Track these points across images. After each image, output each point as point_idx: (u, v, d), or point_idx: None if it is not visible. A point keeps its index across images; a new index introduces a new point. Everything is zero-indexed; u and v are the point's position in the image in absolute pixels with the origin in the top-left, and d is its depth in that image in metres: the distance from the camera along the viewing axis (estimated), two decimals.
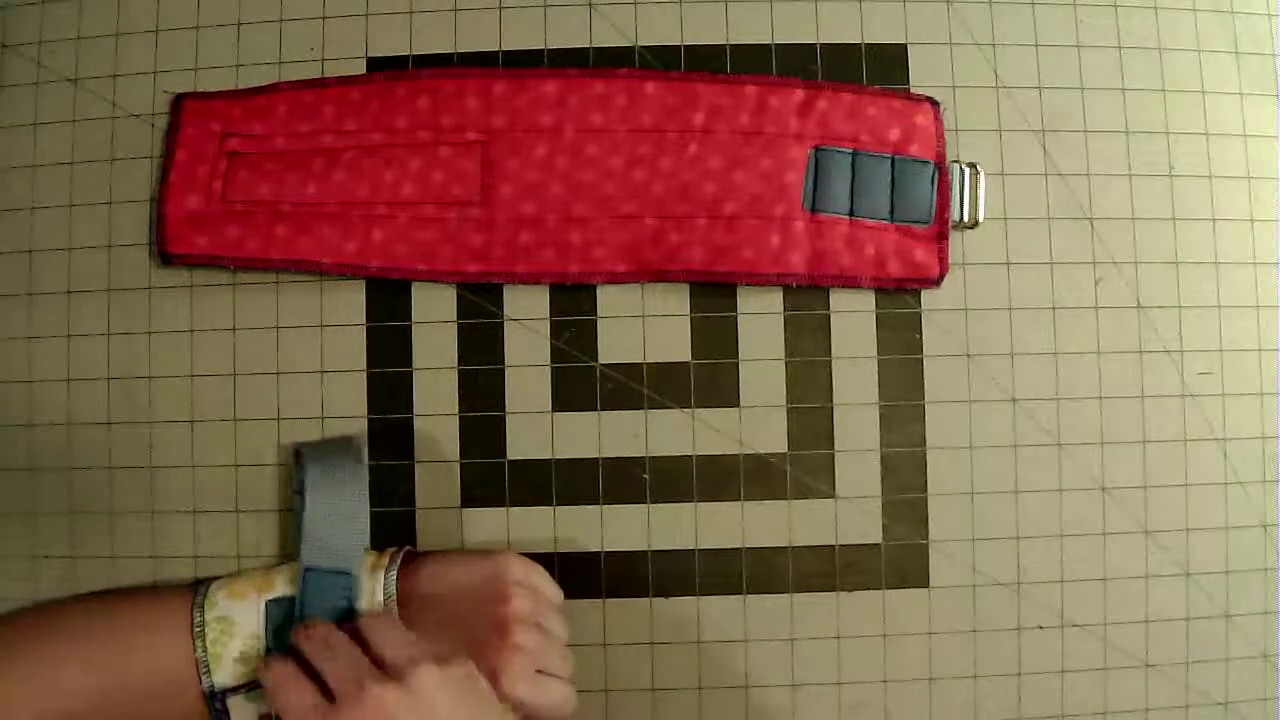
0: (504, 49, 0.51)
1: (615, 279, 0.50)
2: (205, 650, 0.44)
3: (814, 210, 0.49)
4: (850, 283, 0.49)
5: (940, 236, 0.49)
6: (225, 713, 0.44)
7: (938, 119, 0.50)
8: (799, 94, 0.50)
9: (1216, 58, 0.52)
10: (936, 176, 0.49)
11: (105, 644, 0.44)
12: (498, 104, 0.50)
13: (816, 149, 0.49)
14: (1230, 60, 0.52)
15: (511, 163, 0.49)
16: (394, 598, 0.44)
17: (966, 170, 0.50)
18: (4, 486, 0.50)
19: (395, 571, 0.45)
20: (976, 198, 0.50)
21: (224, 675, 0.44)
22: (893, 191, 0.49)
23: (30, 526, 0.50)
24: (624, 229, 0.49)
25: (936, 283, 0.49)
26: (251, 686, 0.44)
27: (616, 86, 0.50)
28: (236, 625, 0.44)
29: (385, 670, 0.40)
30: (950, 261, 0.50)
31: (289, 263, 0.49)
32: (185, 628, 0.44)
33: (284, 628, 0.44)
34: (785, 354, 0.50)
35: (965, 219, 0.50)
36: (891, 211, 0.49)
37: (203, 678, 0.43)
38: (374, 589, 0.45)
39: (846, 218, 0.49)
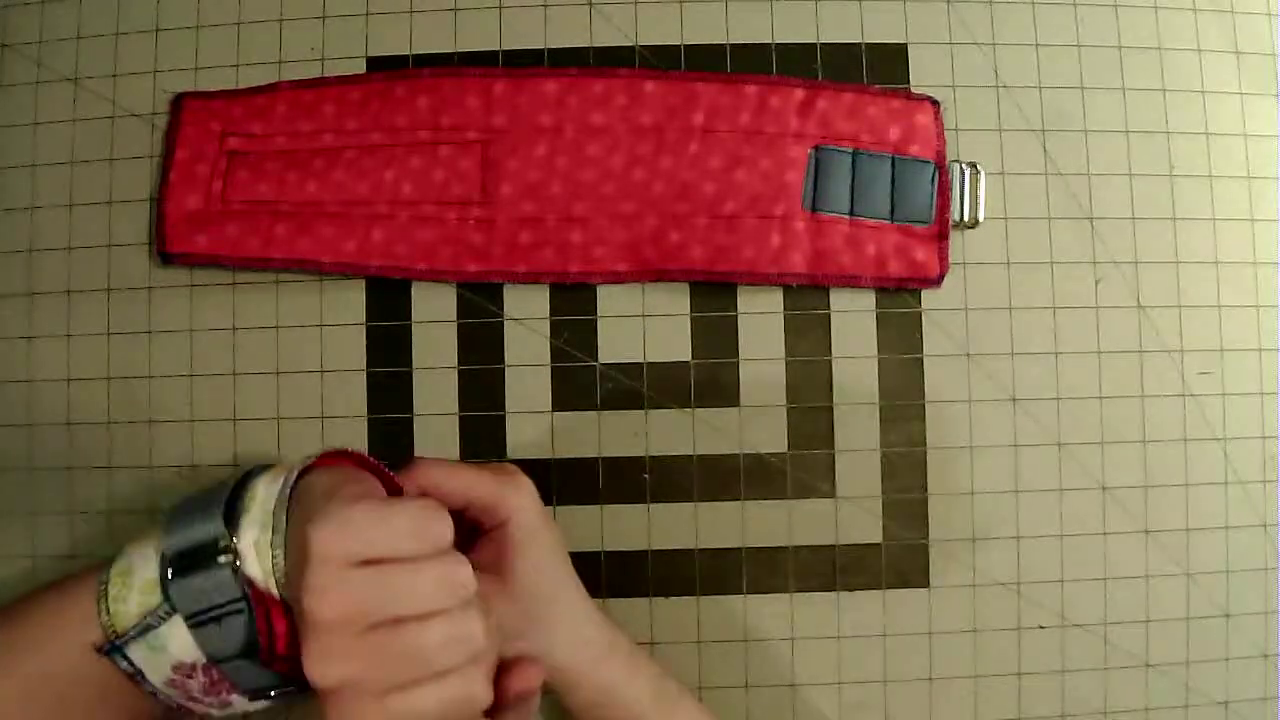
0: (504, 49, 0.51)
1: (615, 279, 0.49)
2: (108, 610, 0.38)
3: (814, 210, 0.49)
4: (851, 282, 0.49)
5: (940, 236, 0.49)
6: (137, 671, 0.38)
7: (938, 119, 0.50)
8: (799, 93, 0.49)
9: (1216, 58, 0.51)
10: (937, 176, 0.49)
11: (16, 644, 0.39)
12: (498, 103, 0.49)
13: (817, 148, 0.49)
14: (1230, 60, 0.51)
15: (511, 162, 0.49)
16: (285, 505, 0.37)
17: (967, 170, 0.50)
18: (4, 486, 0.50)
19: (295, 473, 0.38)
20: (977, 198, 0.49)
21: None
22: (893, 191, 0.49)
23: (30, 526, 0.49)
24: (624, 228, 0.49)
25: (937, 283, 0.49)
26: (144, 630, 0.38)
27: (616, 86, 0.49)
28: (135, 573, 0.38)
29: None
30: (950, 261, 0.49)
31: (289, 262, 0.49)
32: (93, 596, 0.39)
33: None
34: (785, 354, 0.50)
35: (965, 219, 0.49)
36: (892, 211, 0.49)
37: (109, 637, 0.38)
38: (267, 498, 0.38)
39: (847, 217, 0.49)
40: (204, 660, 0.38)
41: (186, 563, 0.38)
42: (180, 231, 0.49)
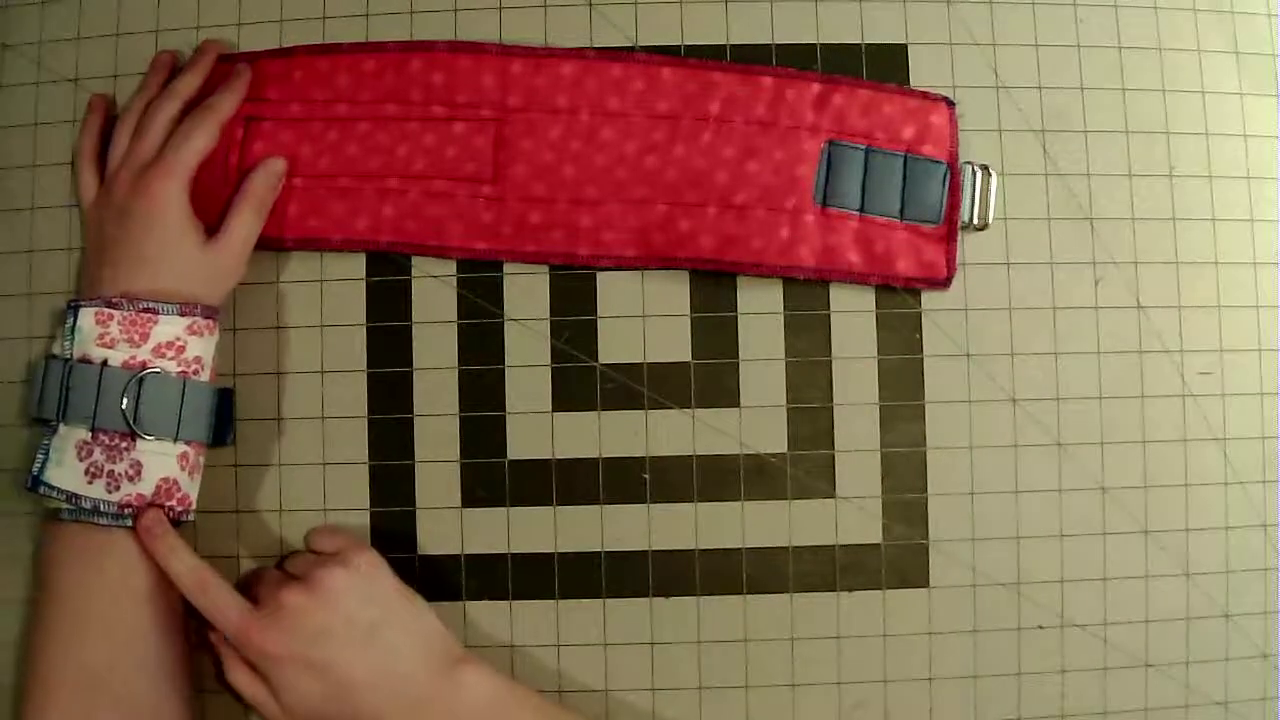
0: None
1: (623, 263, 0.47)
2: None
3: (825, 204, 0.47)
4: (858, 279, 0.47)
5: (949, 237, 0.47)
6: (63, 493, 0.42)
7: (952, 120, 0.48)
8: (815, 88, 0.48)
9: (1216, 58, 0.49)
10: (949, 177, 0.47)
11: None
12: (514, 83, 0.48)
13: (830, 143, 0.47)
14: (1230, 60, 0.49)
15: (525, 143, 0.47)
16: None
17: (979, 172, 0.48)
18: (4, 486, 0.48)
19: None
20: (988, 200, 0.48)
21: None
22: (904, 190, 0.47)
23: (32, 527, 0.47)
24: (634, 214, 0.47)
25: (945, 284, 0.47)
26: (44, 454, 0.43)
27: (634, 71, 0.48)
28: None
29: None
30: None
31: (298, 242, 0.47)
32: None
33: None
34: (785, 354, 0.48)
35: (975, 220, 0.47)
36: (902, 210, 0.47)
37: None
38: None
39: (857, 214, 0.47)
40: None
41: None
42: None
